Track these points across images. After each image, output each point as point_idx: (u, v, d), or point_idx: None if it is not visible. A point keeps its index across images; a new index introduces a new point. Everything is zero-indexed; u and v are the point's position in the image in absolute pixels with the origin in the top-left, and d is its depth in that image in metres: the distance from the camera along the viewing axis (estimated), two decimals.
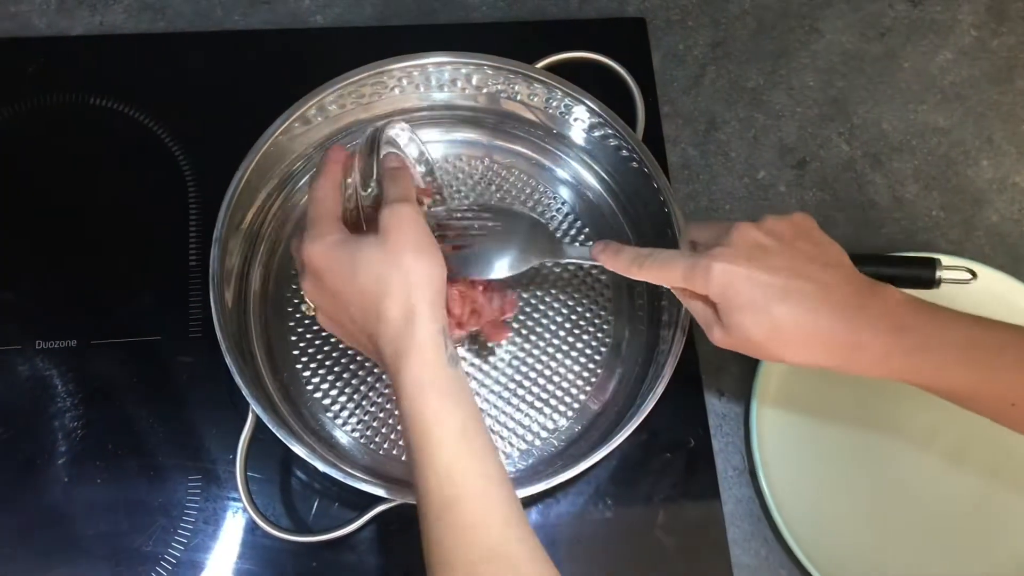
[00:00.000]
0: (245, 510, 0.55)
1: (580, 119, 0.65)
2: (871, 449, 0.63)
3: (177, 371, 0.62)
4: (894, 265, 0.58)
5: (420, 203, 0.57)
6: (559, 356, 0.63)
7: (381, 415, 0.61)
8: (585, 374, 0.63)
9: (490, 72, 0.64)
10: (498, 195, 0.68)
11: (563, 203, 0.68)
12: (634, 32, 0.75)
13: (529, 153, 0.69)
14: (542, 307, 0.65)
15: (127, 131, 0.68)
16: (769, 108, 0.74)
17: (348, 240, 0.48)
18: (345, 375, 0.62)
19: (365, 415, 0.61)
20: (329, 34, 0.74)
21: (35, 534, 0.58)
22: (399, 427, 0.61)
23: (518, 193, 0.68)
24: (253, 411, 0.54)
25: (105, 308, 0.64)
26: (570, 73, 0.63)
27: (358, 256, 0.46)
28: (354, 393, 0.62)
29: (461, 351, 0.63)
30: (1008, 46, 0.78)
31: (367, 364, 0.62)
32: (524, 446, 0.61)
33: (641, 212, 0.65)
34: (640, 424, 0.55)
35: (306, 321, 0.63)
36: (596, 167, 0.68)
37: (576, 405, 0.62)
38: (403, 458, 0.60)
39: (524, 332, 0.64)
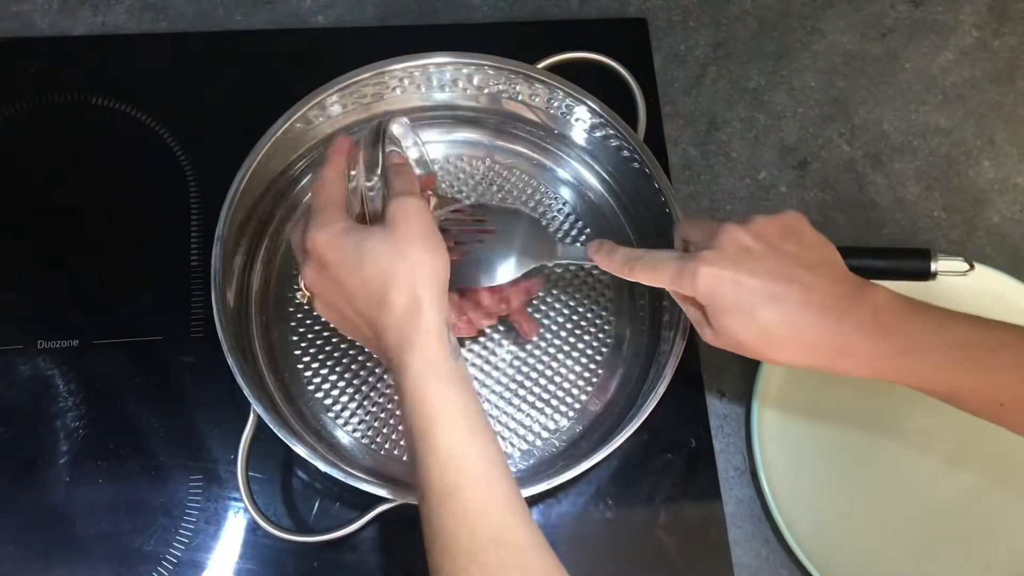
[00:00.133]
0: (246, 510, 0.55)
1: (581, 119, 0.65)
2: (871, 449, 0.63)
3: (178, 371, 0.62)
4: (886, 257, 0.56)
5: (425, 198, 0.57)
6: (560, 356, 0.63)
7: (383, 415, 0.61)
8: (586, 375, 0.63)
9: (491, 72, 0.64)
10: (499, 195, 0.68)
11: (564, 203, 0.68)
12: (635, 32, 0.75)
13: (530, 153, 0.69)
14: (543, 307, 0.65)
15: (129, 131, 0.68)
16: (770, 108, 0.74)
17: (353, 229, 0.48)
18: (347, 375, 0.62)
19: (367, 415, 0.61)
20: (331, 34, 0.74)
21: (36, 534, 0.58)
22: (400, 427, 0.61)
23: (519, 194, 0.68)
24: (254, 411, 0.54)
25: (106, 308, 0.64)
26: (571, 73, 0.63)
27: (363, 245, 0.46)
28: (355, 393, 0.62)
29: (462, 351, 0.63)
30: (1010, 46, 0.78)
31: (369, 364, 0.62)
32: (525, 446, 0.61)
33: (642, 212, 0.65)
34: (641, 424, 0.55)
35: (308, 321, 0.63)
36: (597, 167, 0.68)
37: (577, 405, 0.62)
38: (404, 458, 0.60)
39: None
